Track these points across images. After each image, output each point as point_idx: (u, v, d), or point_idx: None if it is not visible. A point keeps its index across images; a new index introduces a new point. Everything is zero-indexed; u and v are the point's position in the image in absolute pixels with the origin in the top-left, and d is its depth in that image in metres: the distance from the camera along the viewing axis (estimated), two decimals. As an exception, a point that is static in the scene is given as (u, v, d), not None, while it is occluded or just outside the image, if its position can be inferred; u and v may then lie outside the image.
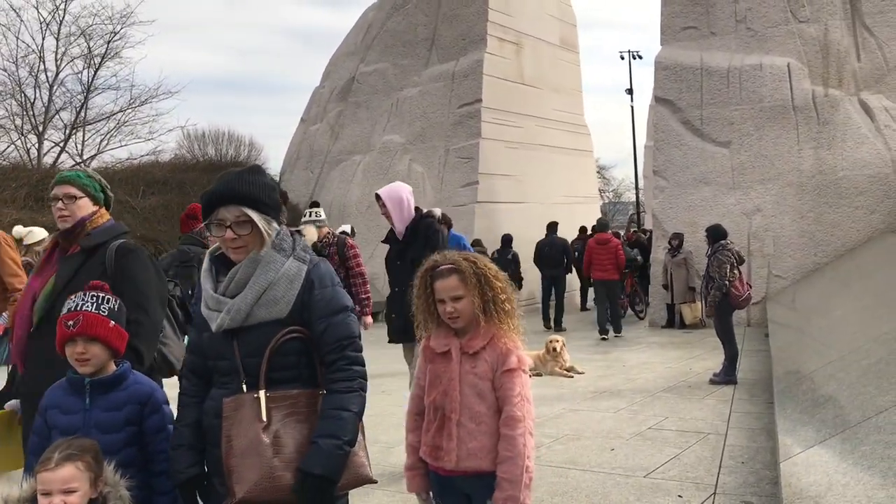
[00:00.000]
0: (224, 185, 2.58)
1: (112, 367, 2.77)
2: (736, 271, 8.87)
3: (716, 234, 9.18)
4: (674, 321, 14.47)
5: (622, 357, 11.10)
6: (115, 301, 2.79)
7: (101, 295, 2.77)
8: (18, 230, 8.37)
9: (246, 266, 2.58)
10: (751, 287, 9.35)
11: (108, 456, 2.57)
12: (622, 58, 44.60)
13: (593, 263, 13.59)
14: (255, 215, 2.56)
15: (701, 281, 9.79)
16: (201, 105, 79.06)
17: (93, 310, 2.70)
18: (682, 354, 11.11)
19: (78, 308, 2.71)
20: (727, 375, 8.67)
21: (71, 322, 2.67)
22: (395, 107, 19.29)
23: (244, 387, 2.50)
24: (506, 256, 14.51)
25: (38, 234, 8.27)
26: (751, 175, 14.44)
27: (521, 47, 20.00)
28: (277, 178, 21.24)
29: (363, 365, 2.61)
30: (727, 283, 8.73)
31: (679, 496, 4.86)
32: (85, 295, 2.75)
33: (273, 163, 32.33)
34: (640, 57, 44.28)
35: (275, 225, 2.62)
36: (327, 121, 20.48)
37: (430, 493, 2.91)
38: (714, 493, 4.89)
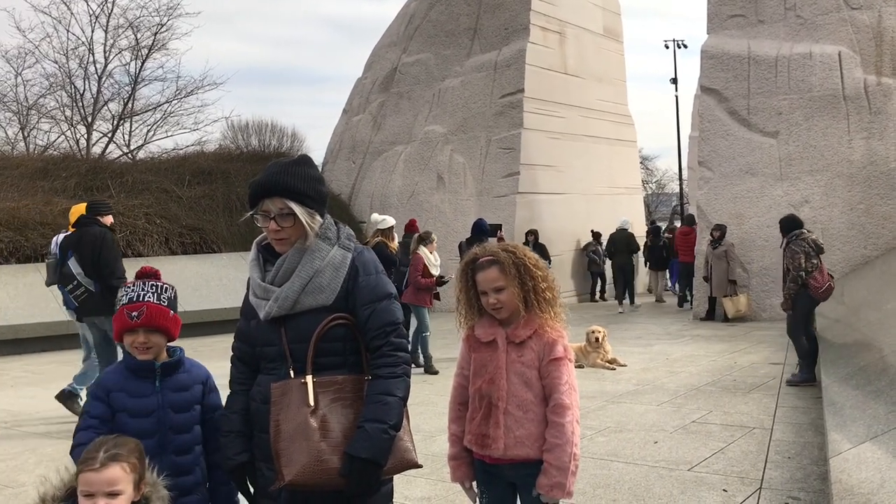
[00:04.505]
0: (270, 176, 2.60)
1: (165, 352, 2.84)
2: (815, 261, 8.36)
3: (788, 225, 8.71)
4: (713, 314, 14.28)
5: (665, 350, 10.99)
6: (172, 289, 2.87)
7: (160, 284, 2.83)
8: (375, 217, 10.44)
9: (292, 255, 2.61)
10: (832, 277, 8.72)
11: (181, 434, 2.70)
12: (667, 47, 44.01)
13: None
14: (298, 209, 2.57)
15: (784, 274, 8.90)
16: (244, 96, 79.66)
17: (155, 300, 2.76)
18: (727, 348, 10.95)
19: (141, 298, 2.75)
20: (805, 374, 8.19)
21: (135, 313, 2.72)
22: (437, 97, 19.27)
23: (291, 372, 2.54)
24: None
25: (390, 221, 10.19)
26: (799, 166, 14.15)
27: (565, 36, 19.82)
28: (320, 169, 21.39)
29: (407, 351, 2.65)
30: (803, 274, 8.25)
31: (724, 490, 4.80)
32: (144, 284, 2.80)
33: (315, 153, 32.60)
34: (686, 46, 43.71)
35: (318, 218, 2.63)
36: (369, 111, 20.55)
37: (474, 483, 2.92)
38: (760, 489, 4.82)
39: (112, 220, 7.72)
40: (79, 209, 7.63)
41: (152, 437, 2.63)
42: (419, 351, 9.76)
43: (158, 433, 2.66)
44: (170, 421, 2.70)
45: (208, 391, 2.86)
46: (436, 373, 9.47)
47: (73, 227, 7.58)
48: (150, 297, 2.76)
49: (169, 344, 2.87)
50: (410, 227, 11.29)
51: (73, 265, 7.19)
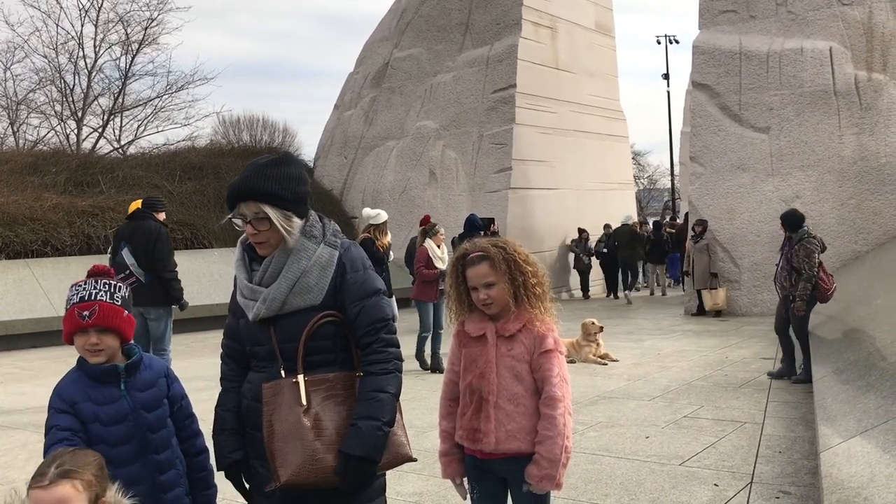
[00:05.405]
0: (244, 179, 2.55)
1: (120, 353, 2.69)
2: (819, 260, 8.07)
3: (793, 222, 8.30)
4: (704, 309, 14.35)
5: (657, 345, 11.01)
6: (126, 289, 2.72)
7: (113, 283, 2.65)
8: (367, 212, 10.31)
9: (279, 255, 2.58)
10: (832, 277, 8.37)
11: (157, 431, 2.61)
12: (659, 42, 43.90)
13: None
14: (272, 212, 2.52)
15: (778, 273, 8.49)
16: (235, 91, 79.47)
17: (108, 299, 2.58)
18: (718, 343, 10.98)
19: (93, 297, 2.57)
20: (808, 373, 7.74)
21: (87, 312, 2.54)
22: (429, 92, 19.24)
23: (282, 372, 2.52)
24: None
25: (383, 215, 10.10)
26: (790, 161, 14.19)
27: (556, 32, 19.81)
28: (312, 164, 21.30)
29: (398, 346, 2.62)
30: (814, 273, 7.94)
31: (715, 485, 4.81)
32: (97, 282, 2.61)
33: (306, 149, 32.49)
34: (677, 41, 43.72)
35: (296, 220, 2.58)
36: (361, 107, 20.50)
37: (465, 479, 2.91)
38: (751, 483, 4.83)
39: (164, 216, 8.12)
40: (136, 204, 8.02)
41: (130, 441, 2.55)
42: (430, 352, 9.59)
43: (136, 436, 2.57)
44: (145, 422, 2.60)
45: (171, 382, 2.76)
46: (429, 369, 9.40)
47: (127, 220, 7.96)
48: (102, 295, 2.58)
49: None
50: (425, 223, 10.80)
51: (127, 255, 7.54)
